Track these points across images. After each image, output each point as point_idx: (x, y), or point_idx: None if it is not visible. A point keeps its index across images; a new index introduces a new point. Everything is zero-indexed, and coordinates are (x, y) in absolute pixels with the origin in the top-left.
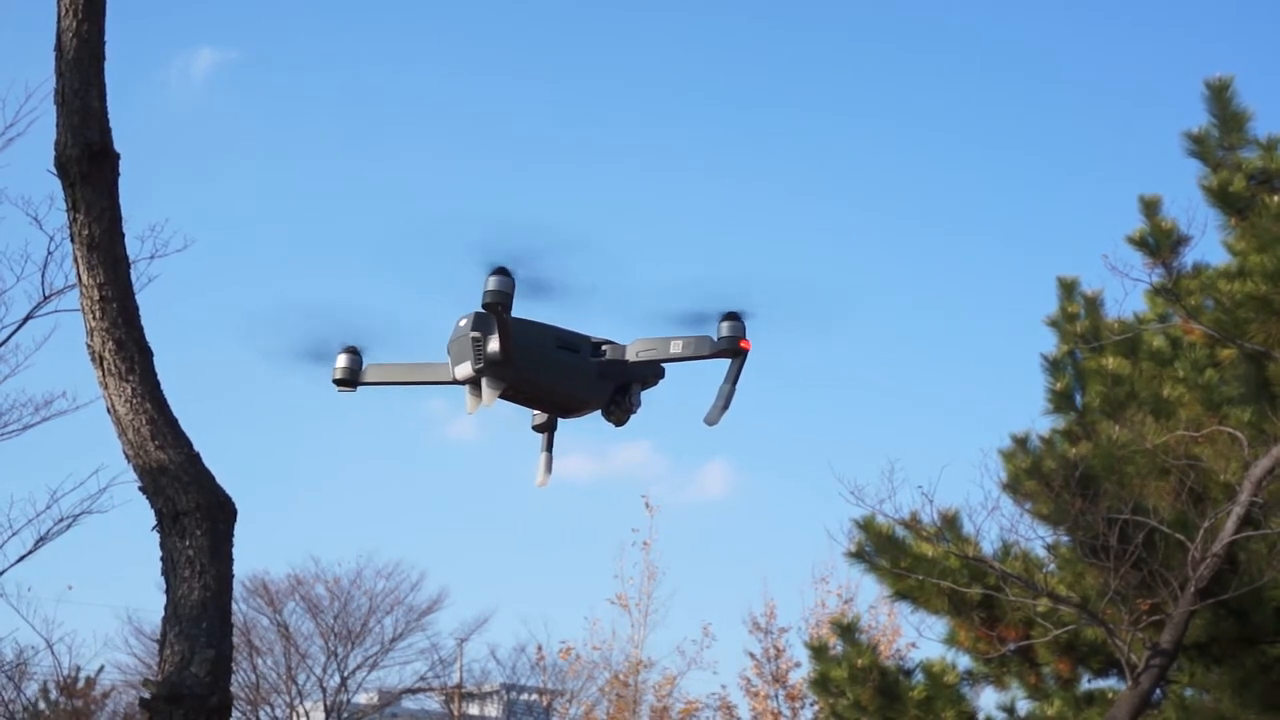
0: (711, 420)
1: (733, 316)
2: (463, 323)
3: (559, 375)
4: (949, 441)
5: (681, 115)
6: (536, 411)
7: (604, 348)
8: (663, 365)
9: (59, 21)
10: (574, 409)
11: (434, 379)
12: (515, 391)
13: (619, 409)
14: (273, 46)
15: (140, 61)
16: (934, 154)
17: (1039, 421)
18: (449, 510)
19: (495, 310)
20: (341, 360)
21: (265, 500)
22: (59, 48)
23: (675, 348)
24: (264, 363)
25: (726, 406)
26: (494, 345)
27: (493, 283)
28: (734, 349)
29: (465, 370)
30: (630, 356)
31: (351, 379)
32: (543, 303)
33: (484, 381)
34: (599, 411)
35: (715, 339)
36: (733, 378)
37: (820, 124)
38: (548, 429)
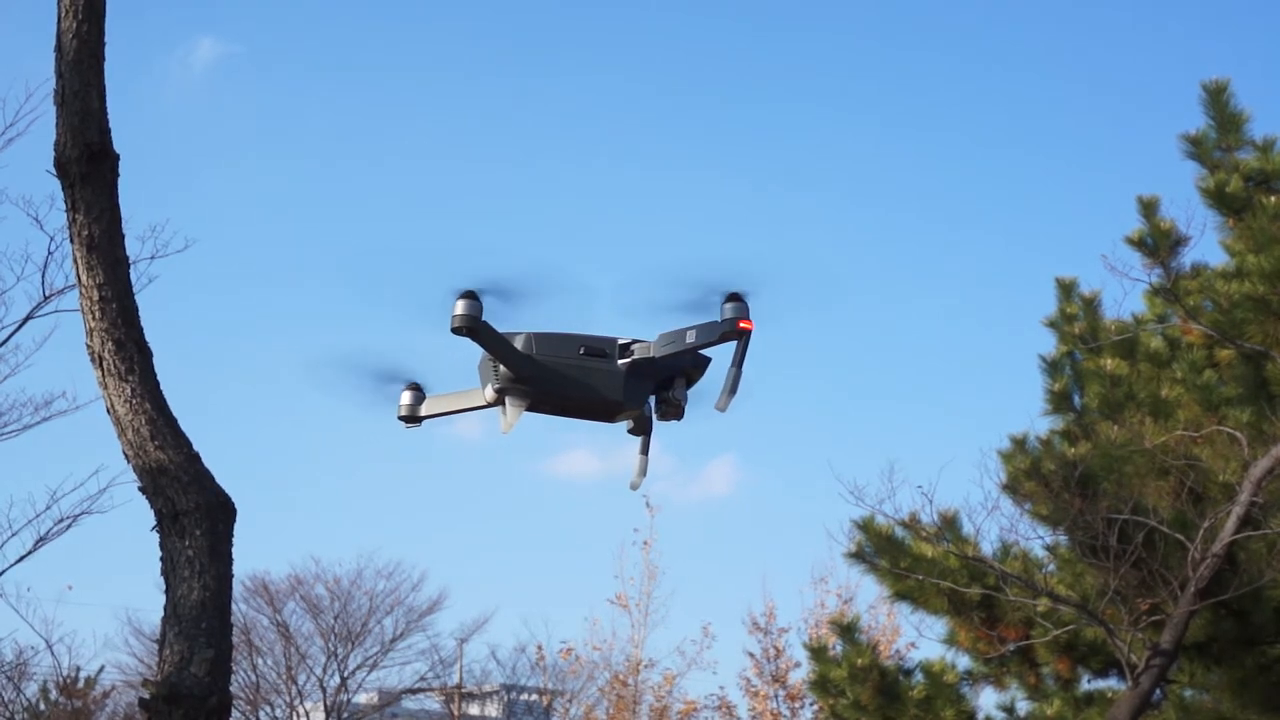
0: (721, 406)
1: (735, 297)
2: None
3: (587, 383)
4: (949, 441)
5: (679, 114)
6: (629, 418)
7: (632, 347)
8: (706, 356)
9: (59, 22)
10: (613, 413)
11: (476, 405)
12: (546, 406)
13: (667, 406)
14: (273, 42)
15: (140, 55)
16: (934, 153)
17: (1038, 422)
18: (449, 510)
19: (463, 334)
20: (406, 398)
21: (265, 500)
22: (59, 48)
23: (690, 337)
24: (329, 399)
25: (734, 391)
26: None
27: (460, 307)
28: (735, 331)
29: (490, 393)
30: (655, 353)
31: (413, 415)
32: (526, 310)
33: (507, 401)
34: (654, 412)
35: (719, 321)
36: (738, 360)
37: (820, 122)
38: (643, 431)
